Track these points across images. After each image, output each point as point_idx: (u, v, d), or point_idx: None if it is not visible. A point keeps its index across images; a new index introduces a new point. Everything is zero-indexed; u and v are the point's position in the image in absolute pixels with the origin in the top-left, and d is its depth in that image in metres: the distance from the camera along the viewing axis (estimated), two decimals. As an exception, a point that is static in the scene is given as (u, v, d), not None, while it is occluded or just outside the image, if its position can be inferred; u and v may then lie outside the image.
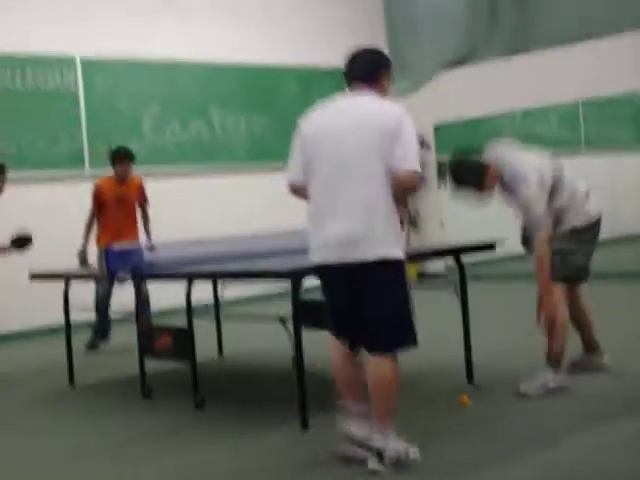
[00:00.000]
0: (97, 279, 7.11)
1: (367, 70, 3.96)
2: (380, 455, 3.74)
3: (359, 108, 3.85)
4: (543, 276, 4.70)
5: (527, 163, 4.80)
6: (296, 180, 3.98)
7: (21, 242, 6.66)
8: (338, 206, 3.74)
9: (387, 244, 3.72)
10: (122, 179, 7.67)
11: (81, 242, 7.56)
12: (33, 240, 6.69)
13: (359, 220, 3.69)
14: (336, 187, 3.75)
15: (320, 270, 3.93)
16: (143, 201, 7.84)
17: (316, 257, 3.88)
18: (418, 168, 3.71)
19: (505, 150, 4.96)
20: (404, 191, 3.80)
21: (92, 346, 7.69)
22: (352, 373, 3.94)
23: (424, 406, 4.86)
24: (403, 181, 3.71)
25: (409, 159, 3.69)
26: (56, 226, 9.06)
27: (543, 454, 3.84)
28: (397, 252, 3.75)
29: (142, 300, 7.26)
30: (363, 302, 3.80)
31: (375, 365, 3.78)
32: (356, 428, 3.86)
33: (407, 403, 4.46)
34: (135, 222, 7.77)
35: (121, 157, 7.66)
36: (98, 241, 7.63)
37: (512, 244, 5.40)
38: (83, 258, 7.42)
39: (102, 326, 7.75)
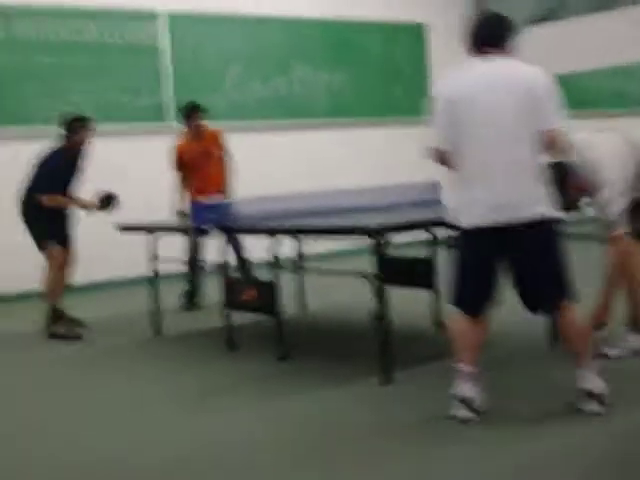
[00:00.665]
0: (186, 233, 7.12)
1: (498, 35, 4.00)
2: (592, 395, 3.84)
3: (505, 72, 3.88)
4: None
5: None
6: (445, 147, 3.91)
7: (108, 201, 6.82)
8: (498, 168, 3.78)
9: (546, 203, 3.82)
10: (197, 133, 7.59)
11: (176, 202, 7.58)
12: (119, 200, 6.85)
13: (520, 181, 3.77)
14: (495, 150, 3.78)
15: (469, 234, 3.89)
16: (220, 151, 7.69)
17: (471, 220, 3.85)
18: (565, 127, 3.82)
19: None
20: (555, 150, 3.91)
21: (187, 307, 7.64)
22: (477, 337, 3.99)
23: (506, 366, 4.86)
24: (549, 137, 3.79)
25: (557, 119, 3.79)
26: (141, 179, 9.23)
27: (627, 414, 3.83)
28: (555, 211, 3.86)
29: (235, 252, 7.42)
30: (526, 262, 3.88)
31: (572, 317, 3.90)
32: (469, 390, 3.90)
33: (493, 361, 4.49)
34: (221, 175, 7.64)
35: (189, 111, 7.59)
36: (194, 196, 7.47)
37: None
38: (183, 215, 7.38)
39: (192, 284, 7.70)
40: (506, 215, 3.77)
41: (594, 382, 3.86)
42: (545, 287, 3.91)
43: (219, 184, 7.54)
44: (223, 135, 7.75)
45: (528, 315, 4.08)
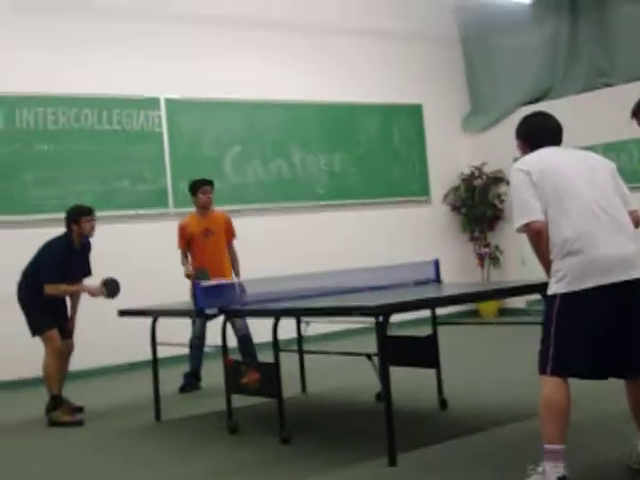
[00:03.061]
0: (184, 316, 7.13)
1: (561, 136, 4.16)
2: None
3: (586, 153, 4.12)
4: None
5: None
6: (543, 220, 3.83)
7: (112, 286, 6.84)
8: (609, 227, 3.80)
9: None
10: (205, 210, 7.64)
11: (184, 268, 7.58)
12: (119, 286, 6.87)
13: (631, 237, 3.84)
14: (601, 210, 3.82)
15: (581, 297, 3.76)
16: (231, 236, 7.76)
17: (585, 282, 3.74)
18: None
19: None
20: (636, 227, 3.98)
21: (183, 389, 7.60)
22: (569, 412, 3.81)
23: (513, 447, 4.81)
24: (636, 217, 3.98)
25: (634, 200, 4.00)
26: (142, 263, 9.26)
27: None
28: None
29: (236, 334, 7.41)
30: (631, 322, 3.83)
31: None
32: (564, 469, 3.72)
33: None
34: (225, 256, 7.66)
35: (200, 184, 7.65)
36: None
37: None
38: (194, 274, 7.33)
39: (192, 367, 7.70)
40: (628, 272, 3.77)
41: None
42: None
43: (218, 265, 7.53)
44: (230, 219, 7.83)
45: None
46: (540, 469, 3.75)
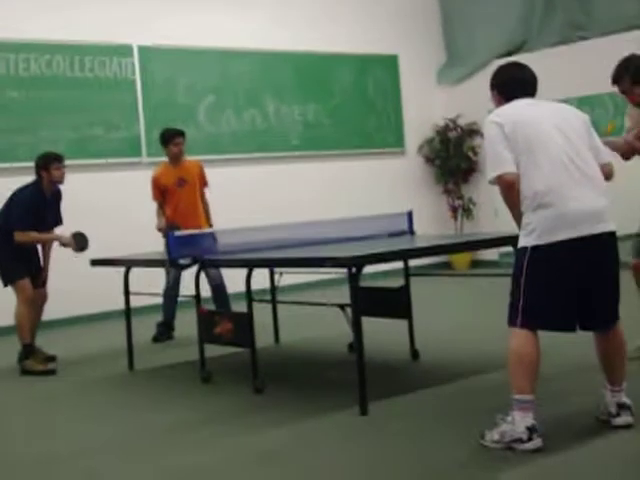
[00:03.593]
0: (157, 266, 7.10)
1: (536, 87, 4.15)
2: (625, 407, 3.96)
3: (561, 105, 4.11)
4: None
5: None
6: (515, 172, 3.82)
7: (80, 240, 6.79)
8: (580, 181, 3.82)
9: (611, 217, 3.90)
10: (177, 160, 7.56)
11: (157, 221, 7.55)
12: (88, 240, 6.84)
13: (600, 192, 3.86)
14: (573, 164, 3.84)
15: (550, 250, 3.79)
16: (203, 184, 7.71)
17: (556, 235, 3.76)
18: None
19: None
20: (607, 180, 4.00)
21: (156, 339, 7.62)
22: (539, 363, 3.85)
23: (482, 398, 4.87)
24: (608, 171, 3.99)
25: (608, 153, 4.09)
26: (115, 212, 9.22)
27: None
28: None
29: (211, 283, 7.42)
30: (600, 275, 3.89)
31: (619, 334, 4.00)
32: (533, 418, 3.77)
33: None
34: (199, 205, 7.62)
35: (171, 135, 7.57)
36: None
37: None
38: (166, 228, 7.24)
39: (166, 317, 7.71)
40: (596, 226, 3.82)
41: (625, 396, 4.00)
42: (610, 302, 3.97)
43: (192, 214, 7.50)
44: (202, 167, 7.77)
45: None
46: (509, 418, 3.81)
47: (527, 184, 3.82)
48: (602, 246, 3.87)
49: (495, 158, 3.87)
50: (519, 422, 3.75)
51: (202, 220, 7.56)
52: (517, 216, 3.93)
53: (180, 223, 7.22)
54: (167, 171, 7.62)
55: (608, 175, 3.99)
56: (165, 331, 7.68)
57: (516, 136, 3.84)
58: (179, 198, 7.53)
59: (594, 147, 3.98)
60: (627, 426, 3.94)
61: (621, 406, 3.98)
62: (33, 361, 6.60)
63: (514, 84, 4.10)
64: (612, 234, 3.89)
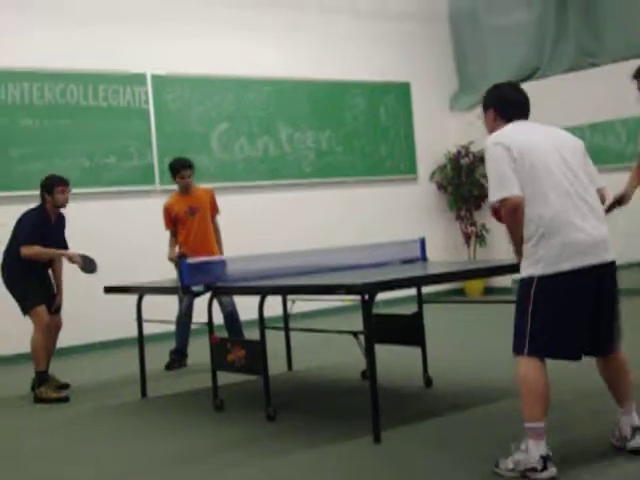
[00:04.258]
0: (169, 293, 7.10)
1: (529, 110, 4.18)
2: (638, 429, 3.96)
3: (551, 129, 4.09)
4: None
5: None
6: (521, 195, 3.79)
7: (89, 262, 6.81)
8: (586, 210, 3.85)
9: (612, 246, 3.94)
10: (187, 190, 7.59)
11: (169, 251, 7.56)
12: (97, 267, 6.86)
13: (602, 221, 3.91)
14: (576, 192, 3.85)
15: (557, 280, 3.79)
16: (214, 211, 7.72)
17: (560, 265, 3.77)
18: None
19: None
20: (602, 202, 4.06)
21: (169, 367, 7.59)
22: (549, 390, 3.84)
23: (497, 425, 4.84)
24: (602, 195, 4.02)
25: (600, 177, 4.05)
26: (128, 240, 9.25)
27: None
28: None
29: (223, 311, 7.42)
30: (604, 303, 3.91)
31: (624, 358, 4.03)
32: (545, 446, 3.75)
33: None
34: (211, 232, 7.64)
35: (177, 168, 7.58)
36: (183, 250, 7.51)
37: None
38: (176, 257, 7.24)
39: (180, 344, 7.68)
40: (603, 254, 3.85)
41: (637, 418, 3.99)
42: (614, 328, 3.99)
43: (204, 242, 7.53)
44: (214, 195, 7.77)
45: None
46: (523, 447, 3.77)
47: (532, 211, 3.79)
48: (606, 274, 3.89)
49: (501, 180, 3.81)
50: (533, 450, 3.71)
51: (214, 248, 7.59)
52: (518, 242, 3.90)
53: (192, 251, 7.20)
54: (178, 200, 7.65)
55: (603, 199, 4.03)
56: (178, 358, 7.66)
57: (523, 162, 3.80)
58: (190, 226, 7.55)
59: (590, 172, 3.98)
60: None
61: (635, 429, 3.96)
62: (47, 389, 6.59)
63: (513, 105, 4.10)
64: (613, 263, 3.91)
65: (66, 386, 6.85)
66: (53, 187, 6.78)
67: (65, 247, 6.99)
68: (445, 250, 11.37)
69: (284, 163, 10.78)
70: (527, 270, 3.86)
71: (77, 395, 6.66)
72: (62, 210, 6.96)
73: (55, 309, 6.94)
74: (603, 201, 4.02)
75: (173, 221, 7.61)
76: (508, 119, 4.05)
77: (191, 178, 7.61)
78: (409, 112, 11.93)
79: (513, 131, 3.95)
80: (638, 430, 3.95)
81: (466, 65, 12.33)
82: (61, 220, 6.97)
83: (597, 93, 10.15)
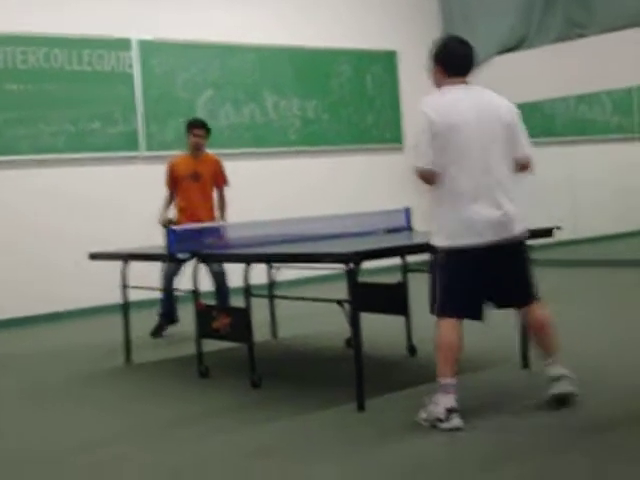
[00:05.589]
0: (156, 260, 7.05)
1: (473, 64, 4.39)
2: (564, 378, 4.30)
3: (487, 101, 4.31)
4: None
5: None
6: (431, 167, 4.17)
7: None
8: (492, 188, 4.17)
9: (523, 220, 4.28)
10: (195, 152, 7.44)
11: (161, 212, 7.43)
12: None
13: (510, 199, 4.21)
14: (485, 172, 4.16)
15: (461, 252, 4.20)
16: (221, 182, 7.55)
17: (465, 239, 4.18)
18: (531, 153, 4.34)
19: None
20: (527, 172, 4.38)
21: (155, 332, 7.53)
22: (460, 348, 4.30)
23: (478, 395, 4.88)
24: (526, 163, 4.33)
25: (527, 145, 4.31)
26: (113, 207, 9.22)
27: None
28: (526, 226, 4.33)
29: (220, 281, 7.35)
30: (513, 269, 4.33)
31: (540, 309, 4.41)
32: (454, 400, 4.16)
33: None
34: (209, 202, 7.46)
35: (192, 125, 7.49)
36: (180, 220, 7.36)
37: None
38: (165, 222, 7.20)
39: (165, 309, 7.61)
40: (506, 232, 4.19)
41: (562, 368, 4.34)
42: (524, 287, 4.38)
43: (203, 209, 7.36)
44: (221, 165, 7.60)
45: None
46: (434, 399, 4.19)
47: (444, 184, 4.19)
48: (507, 248, 4.24)
49: (417, 150, 4.22)
50: (441, 403, 4.13)
51: (208, 218, 7.33)
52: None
53: (190, 218, 7.14)
54: (184, 162, 7.49)
55: (524, 166, 4.34)
56: (165, 322, 7.57)
57: (442, 137, 4.14)
58: (190, 191, 7.40)
59: (515, 141, 4.26)
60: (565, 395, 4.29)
61: (556, 377, 4.30)
62: None
63: (460, 60, 4.34)
64: (515, 237, 4.26)
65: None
66: None
67: None
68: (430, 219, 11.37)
69: (270, 131, 10.74)
70: (434, 239, 4.35)
71: (60, 361, 6.67)
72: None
73: None
74: (525, 167, 4.34)
75: (174, 181, 7.47)
76: (452, 74, 4.30)
77: (203, 140, 7.46)
78: (395, 81, 11.90)
79: (443, 103, 4.25)
80: (558, 378, 4.29)
81: (454, 34, 12.24)
82: None
83: (584, 64, 10.15)
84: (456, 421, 4.10)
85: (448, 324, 4.26)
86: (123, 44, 9.60)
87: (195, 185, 7.41)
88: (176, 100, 9.97)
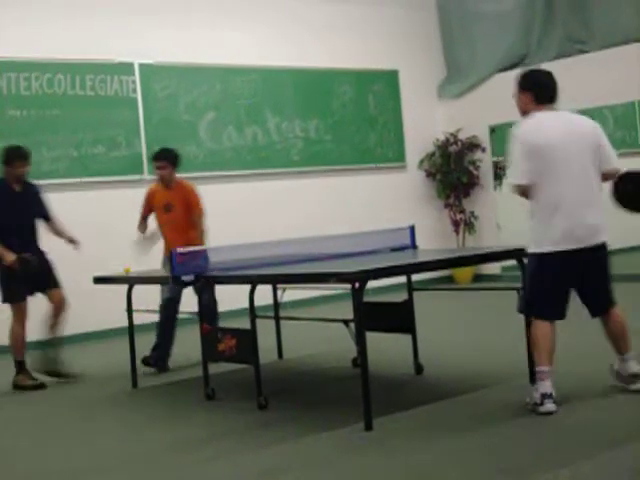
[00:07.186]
0: (160, 283, 6.98)
1: (557, 92, 4.82)
2: (636, 376, 4.78)
3: (575, 123, 4.75)
4: None
5: None
6: (529, 182, 4.62)
7: (25, 264, 6.63)
8: (587, 200, 4.62)
9: (606, 231, 4.73)
10: (164, 183, 7.16)
11: (137, 234, 7.30)
12: (34, 266, 6.69)
13: (598, 210, 4.65)
14: (578, 184, 4.60)
15: (555, 257, 4.62)
16: (193, 210, 7.07)
17: (559, 245, 4.60)
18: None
19: None
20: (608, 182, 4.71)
21: (146, 361, 6.95)
22: (554, 340, 4.68)
23: (487, 412, 4.86)
24: (613, 175, 4.66)
25: (615, 158, 4.74)
26: (116, 231, 9.22)
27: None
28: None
29: (207, 303, 7.25)
30: (599, 273, 4.77)
31: (618, 313, 4.84)
32: (550, 386, 4.55)
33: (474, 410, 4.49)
34: (187, 231, 7.02)
35: (153, 158, 7.27)
36: (164, 247, 7.23)
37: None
38: (141, 238, 7.17)
39: (161, 350, 7.04)
40: (590, 241, 4.64)
41: (637, 366, 4.79)
42: (605, 294, 4.83)
43: (178, 240, 6.82)
44: (192, 191, 7.17)
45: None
46: (536, 386, 4.59)
47: (542, 197, 4.62)
48: (596, 253, 4.71)
49: (514, 168, 4.70)
50: (539, 389, 4.53)
51: (194, 244, 6.74)
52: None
53: (166, 249, 7.05)
54: (159, 191, 7.25)
55: (610, 178, 4.67)
56: (159, 357, 7.03)
57: (537, 155, 4.57)
58: (165, 223, 7.21)
59: (603, 154, 4.68)
60: None
61: (634, 375, 4.76)
62: (24, 376, 6.63)
63: (547, 90, 4.78)
64: (603, 244, 4.73)
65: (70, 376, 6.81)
66: (13, 157, 6.76)
67: (44, 215, 6.96)
68: (434, 238, 11.38)
69: (272, 152, 10.76)
70: (531, 247, 4.75)
71: (69, 386, 6.65)
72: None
73: (50, 284, 6.85)
74: (609, 179, 4.65)
75: (149, 209, 7.32)
76: (540, 102, 4.72)
77: (167, 171, 7.10)
78: (397, 100, 11.92)
79: (534, 125, 4.66)
80: (633, 376, 4.76)
81: (454, 53, 12.30)
82: (30, 188, 6.92)
83: (585, 80, 10.15)
84: (549, 406, 4.48)
85: (543, 321, 4.67)
86: (125, 68, 9.64)
87: (168, 217, 7.16)
88: (179, 123, 10.00)
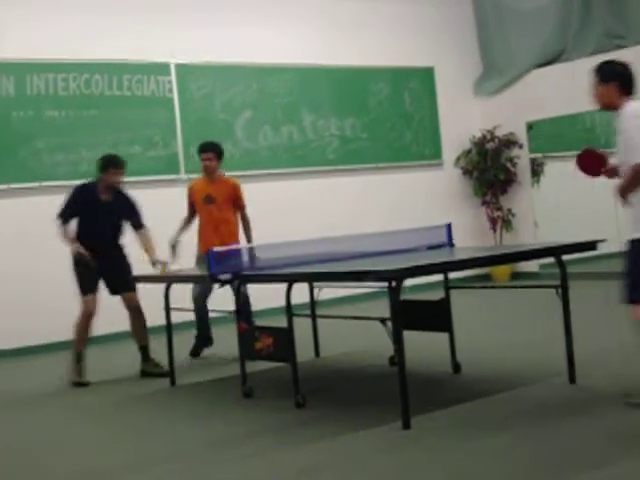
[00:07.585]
0: (197, 282, 7.10)
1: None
2: None
3: None
4: None
5: None
6: None
7: (82, 257, 6.78)
8: None
9: None
10: (208, 175, 7.40)
11: (175, 233, 7.49)
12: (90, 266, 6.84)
13: None
14: None
15: None
16: (238, 205, 7.44)
17: None
18: None
19: None
20: None
21: (195, 353, 7.61)
22: None
23: (525, 410, 4.83)
24: None
25: None
26: (154, 230, 9.26)
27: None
28: None
29: (243, 301, 7.34)
30: None
31: None
32: None
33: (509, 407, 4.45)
34: (228, 225, 7.37)
35: (200, 149, 7.48)
36: (198, 244, 7.47)
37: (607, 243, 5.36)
38: (173, 248, 7.30)
39: (201, 331, 7.62)
40: None
41: None
42: None
43: (217, 233, 7.28)
44: (238, 188, 7.47)
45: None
46: None
47: None
48: None
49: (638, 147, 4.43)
50: None
51: (230, 240, 7.17)
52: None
53: (203, 242, 7.22)
54: (200, 185, 7.53)
55: None
56: (202, 343, 7.63)
57: None
58: (205, 215, 7.41)
59: None
60: None
61: None
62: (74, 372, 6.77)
63: (631, 80, 4.70)
64: None
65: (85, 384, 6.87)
66: (107, 165, 6.92)
67: (138, 224, 7.15)
68: (471, 235, 11.34)
69: (308, 150, 10.77)
70: (635, 234, 4.52)
71: (106, 384, 6.70)
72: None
73: (124, 287, 6.95)
74: None
75: (191, 204, 7.55)
76: (626, 92, 4.64)
77: (213, 163, 7.37)
78: (433, 97, 11.88)
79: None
80: None
81: (490, 49, 12.23)
82: (120, 197, 7.06)
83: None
84: None
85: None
86: (162, 68, 9.71)
87: (208, 209, 7.39)
88: (215, 122, 10.05)
